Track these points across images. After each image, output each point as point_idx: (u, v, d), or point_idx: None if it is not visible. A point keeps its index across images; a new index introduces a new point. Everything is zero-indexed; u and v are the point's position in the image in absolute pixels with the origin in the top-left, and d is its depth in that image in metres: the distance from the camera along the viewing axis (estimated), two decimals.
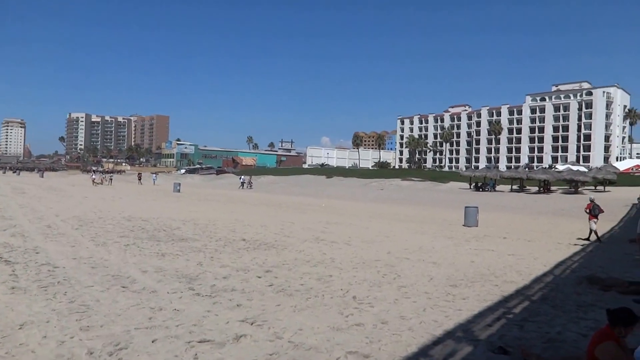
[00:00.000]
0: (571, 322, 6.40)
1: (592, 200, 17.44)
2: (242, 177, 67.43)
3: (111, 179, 58.16)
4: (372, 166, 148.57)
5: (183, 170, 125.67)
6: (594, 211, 16.75)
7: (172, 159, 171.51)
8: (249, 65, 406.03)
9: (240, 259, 10.28)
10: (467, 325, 6.13)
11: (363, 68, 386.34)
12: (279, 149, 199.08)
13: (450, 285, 8.50)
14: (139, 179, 63.47)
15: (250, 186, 62.28)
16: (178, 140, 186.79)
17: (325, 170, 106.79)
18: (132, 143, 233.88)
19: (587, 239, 16.71)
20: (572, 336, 5.79)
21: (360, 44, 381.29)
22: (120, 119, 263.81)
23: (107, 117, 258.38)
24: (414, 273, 9.53)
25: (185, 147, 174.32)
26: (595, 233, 16.63)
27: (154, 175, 67.33)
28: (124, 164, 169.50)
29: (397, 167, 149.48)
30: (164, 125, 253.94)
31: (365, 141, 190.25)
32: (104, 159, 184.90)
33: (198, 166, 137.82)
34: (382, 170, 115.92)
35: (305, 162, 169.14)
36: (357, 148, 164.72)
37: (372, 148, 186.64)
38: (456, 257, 11.87)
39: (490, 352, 5.12)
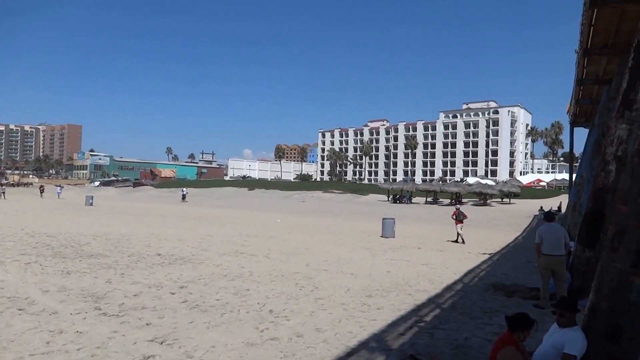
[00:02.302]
0: (477, 328, 6.76)
1: (457, 208, 20.04)
2: (184, 189, 71.17)
3: (3, 192, 51.96)
4: (294, 178, 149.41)
5: (97, 183, 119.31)
6: (459, 217, 19.25)
7: (85, 171, 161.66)
8: (167, 72, 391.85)
9: (154, 275, 9.80)
10: (381, 335, 6.27)
11: (285, 80, 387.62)
12: (200, 160, 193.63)
13: (366, 296, 8.68)
14: (41, 192, 58.39)
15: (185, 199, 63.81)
16: (91, 151, 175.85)
17: (247, 183, 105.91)
18: (41, 154, 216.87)
19: (456, 241, 18.92)
20: (478, 342, 6.10)
21: (280, 57, 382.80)
22: (27, 127, 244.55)
23: (11, 126, 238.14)
24: (332, 284, 9.62)
25: (100, 159, 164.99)
26: (461, 236, 18.98)
27: (59, 188, 62.25)
28: (31, 176, 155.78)
29: (318, 179, 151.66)
30: (76, 135, 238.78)
31: (287, 153, 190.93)
32: (9, 171, 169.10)
33: (114, 178, 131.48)
34: (304, 182, 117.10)
35: (226, 174, 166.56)
36: (280, 160, 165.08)
37: (295, 160, 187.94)
38: (373, 267, 12.16)
39: None
